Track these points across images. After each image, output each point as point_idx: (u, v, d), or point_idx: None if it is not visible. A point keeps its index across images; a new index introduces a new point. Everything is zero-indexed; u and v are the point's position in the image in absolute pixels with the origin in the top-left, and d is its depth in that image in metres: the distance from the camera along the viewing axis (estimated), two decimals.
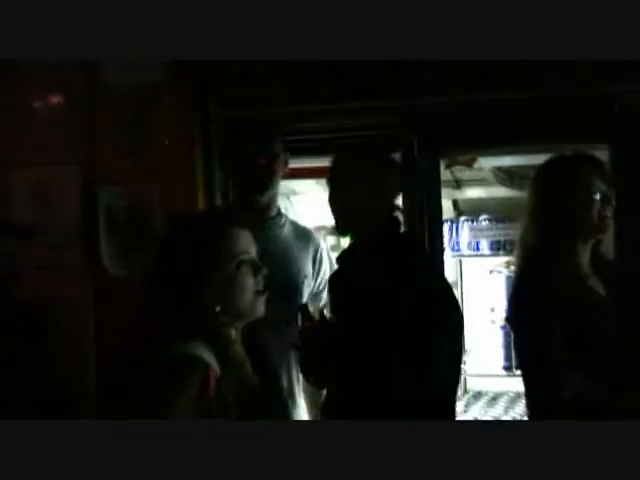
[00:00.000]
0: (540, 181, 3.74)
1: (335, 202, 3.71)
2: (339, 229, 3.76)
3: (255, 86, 4.70)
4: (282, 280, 3.75)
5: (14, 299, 3.88)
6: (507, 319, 3.88)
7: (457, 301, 3.71)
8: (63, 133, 4.84)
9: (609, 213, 3.61)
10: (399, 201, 3.84)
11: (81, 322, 4.74)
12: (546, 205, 3.63)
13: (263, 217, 4.01)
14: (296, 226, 4.20)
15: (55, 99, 4.90)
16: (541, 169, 3.79)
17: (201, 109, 4.81)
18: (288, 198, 5.62)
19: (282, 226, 4.10)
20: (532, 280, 3.58)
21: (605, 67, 4.21)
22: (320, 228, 5.44)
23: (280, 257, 3.91)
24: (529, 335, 3.55)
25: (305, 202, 5.54)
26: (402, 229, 3.88)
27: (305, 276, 4.07)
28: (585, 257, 3.66)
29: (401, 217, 3.84)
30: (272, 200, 4.05)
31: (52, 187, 4.84)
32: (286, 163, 4.03)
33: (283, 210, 4.19)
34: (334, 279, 3.82)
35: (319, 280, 4.14)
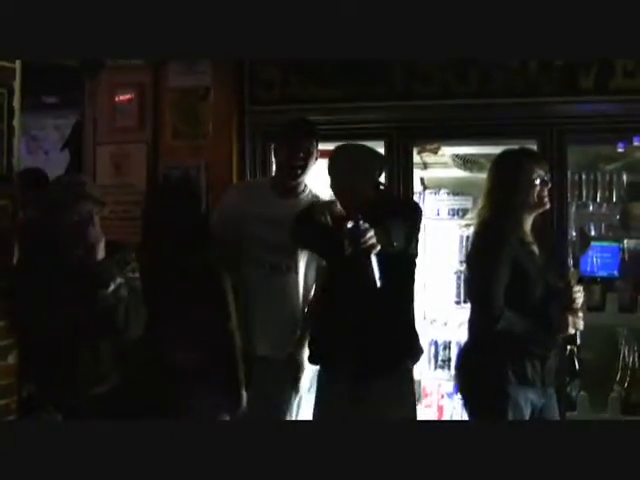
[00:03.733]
0: (495, 168, 4.11)
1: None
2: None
3: (276, 89, 5.29)
4: None
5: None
6: (466, 262, 4.35)
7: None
8: (135, 120, 5.49)
9: (546, 193, 4.01)
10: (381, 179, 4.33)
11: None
12: (500, 187, 4.00)
13: (295, 192, 4.52)
14: (316, 197, 4.57)
15: (128, 95, 5.49)
16: (495, 160, 4.17)
17: (238, 105, 5.37)
18: None
19: (306, 198, 4.53)
20: (487, 239, 3.99)
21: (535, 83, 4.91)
22: None
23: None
24: (482, 276, 3.94)
25: None
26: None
27: None
28: (528, 226, 4.03)
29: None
30: (301, 182, 4.53)
31: (126, 160, 5.49)
32: (316, 157, 4.49)
33: (308, 186, 4.61)
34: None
35: None
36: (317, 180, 4.65)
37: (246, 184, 5.16)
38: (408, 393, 4.25)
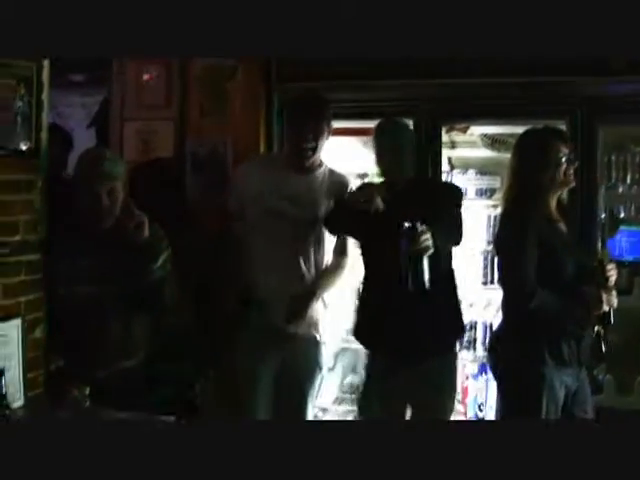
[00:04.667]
0: (520, 147, 4.16)
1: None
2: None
3: (305, 66, 5.08)
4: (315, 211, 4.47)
5: None
6: (495, 243, 4.36)
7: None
8: (163, 97, 5.52)
9: (572, 171, 4.05)
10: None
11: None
12: (525, 166, 4.04)
13: (311, 168, 4.51)
14: (332, 172, 4.61)
15: (157, 72, 5.51)
16: (521, 138, 4.22)
17: (266, 82, 5.36)
18: None
19: (322, 174, 4.56)
20: (514, 219, 4.03)
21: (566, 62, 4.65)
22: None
23: (318, 196, 4.50)
24: (511, 256, 4.00)
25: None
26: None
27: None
28: (553, 204, 4.07)
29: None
30: (316, 159, 4.50)
31: (153, 136, 5.51)
32: (329, 133, 4.47)
33: (324, 161, 4.59)
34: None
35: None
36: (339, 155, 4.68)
37: (260, 160, 5.09)
38: (454, 373, 4.39)
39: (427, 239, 3.74)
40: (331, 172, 4.61)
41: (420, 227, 3.72)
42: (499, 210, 4.65)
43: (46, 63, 3.74)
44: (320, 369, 4.59)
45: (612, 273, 4.01)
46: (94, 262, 3.77)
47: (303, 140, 4.41)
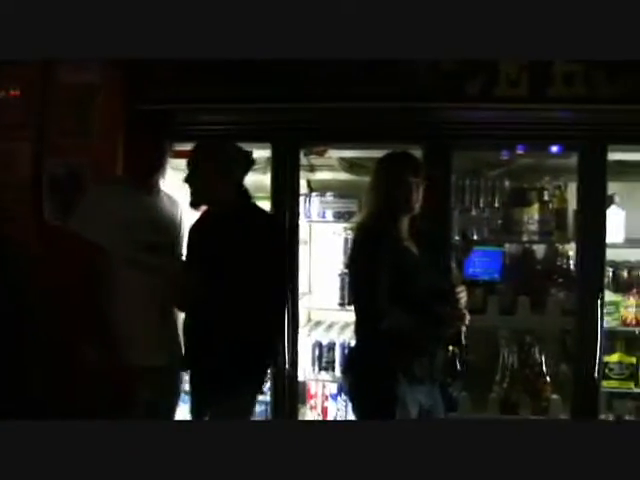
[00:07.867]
0: (374, 172, 4.28)
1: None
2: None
3: (166, 88, 5.23)
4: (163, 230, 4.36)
5: None
6: (347, 266, 4.58)
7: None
8: (21, 117, 5.35)
9: (416, 198, 4.16)
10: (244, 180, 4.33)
11: (27, 257, 5.10)
12: (377, 189, 4.18)
13: (154, 189, 4.39)
14: (167, 195, 4.52)
15: (15, 91, 5.37)
16: (377, 163, 4.31)
17: (128, 104, 5.23)
18: None
19: (160, 195, 4.44)
20: (365, 239, 4.12)
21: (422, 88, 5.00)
22: None
23: (159, 215, 4.37)
24: (361, 278, 4.10)
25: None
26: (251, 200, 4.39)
27: (176, 228, 4.48)
28: (404, 226, 4.19)
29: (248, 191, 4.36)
30: (158, 179, 4.39)
31: (10, 157, 5.35)
32: (172, 150, 4.40)
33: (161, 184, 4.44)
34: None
35: (182, 231, 4.52)
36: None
37: (103, 187, 4.72)
38: None
39: None
40: (168, 196, 4.55)
41: None
42: None
43: None
44: (179, 394, 4.56)
45: (462, 295, 4.16)
46: None
47: (152, 154, 4.32)
